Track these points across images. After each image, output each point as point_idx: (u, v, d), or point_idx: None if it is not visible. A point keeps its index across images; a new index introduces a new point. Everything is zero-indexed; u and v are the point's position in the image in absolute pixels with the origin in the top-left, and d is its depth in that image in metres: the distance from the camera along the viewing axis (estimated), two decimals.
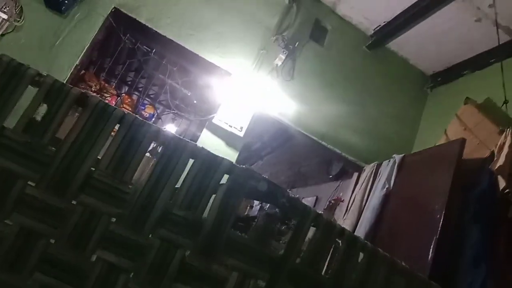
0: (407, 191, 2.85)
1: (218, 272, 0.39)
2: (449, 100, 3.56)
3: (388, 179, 3.03)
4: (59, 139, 0.44)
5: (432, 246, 2.26)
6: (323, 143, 3.53)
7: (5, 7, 2.66)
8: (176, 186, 0.45)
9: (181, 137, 0.45)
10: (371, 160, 3.45)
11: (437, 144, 3.09)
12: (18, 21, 2.71)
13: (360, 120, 3.68)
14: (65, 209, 0.42)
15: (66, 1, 2.81)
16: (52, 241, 0.42)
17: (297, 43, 3.55)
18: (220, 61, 3.30)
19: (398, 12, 3.53)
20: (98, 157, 0.44)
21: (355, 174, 3.59)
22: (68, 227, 0.41)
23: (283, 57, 3.43)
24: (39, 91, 0.46)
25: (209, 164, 0.45)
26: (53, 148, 0.45)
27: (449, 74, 3.77)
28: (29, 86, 0.47)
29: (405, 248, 2.52)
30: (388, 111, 3.79)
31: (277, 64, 3.45)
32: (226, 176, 0.45)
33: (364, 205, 3.12)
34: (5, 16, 2.65)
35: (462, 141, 2.55)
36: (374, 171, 3.28)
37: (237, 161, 3.25)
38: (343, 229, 0.48)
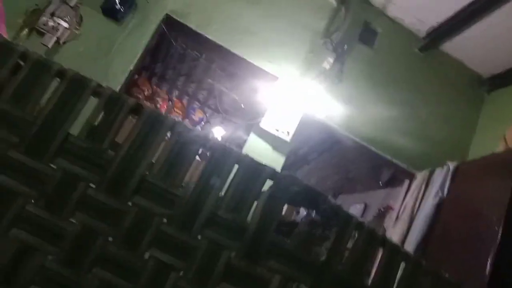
0: (462, 201, 2.72)
1: (262, 274, 0.41)
2: (509, 104, 3.37)
3: (442, 187, 2.91)
4: (117, 144, 0.47)
5: (490, 260, 2.14)
6: (372, 148, 3.45)
7: (66, 16, 2.83)
8: (221, 190, 0.47)
9: (227, 144, 0.48)
10: (423, 166, 3.32)
11: (495, 151, 2.94)
12: (78, 29, 2.88)
13: (411, 125, 3.56)
14: (121, 210, 0.45)
15: (122, 10, 2.95)
16: (110, 239, 0.45)
17: (345, 46, 3.51)
18: (267, 65, 3.33)
19: (453, 13, 3.38)
20: (152, 161, 0.47)
21: (406, 181, 3.47)
22: (123, 226, 0.44)
23: (332, 60, 3.40)
24: (100, 101, 0.50)
25: (253, 170, 0.46)
26: (111, 153, 0.48)
27: (509, 77, 3.56)
28: (91, 96, 0.51)
29: (459, 260, 2.41)
30: (442, 115, 3.65)
31: (325, 68, 3.42)
32: (269, 182, 0.46)
33: (415, 214, 3.01)
34: (66, 25, 2.82)
35: None
36: (426, 178, 3.15)
37: (283, 165, 3.26)
38: (385, 237, 0.47)
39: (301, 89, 3.30)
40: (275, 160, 3.21)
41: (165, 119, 0.49)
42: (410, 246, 2.80)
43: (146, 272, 0.42)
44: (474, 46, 3.60)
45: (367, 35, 3.70)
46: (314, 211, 0.46)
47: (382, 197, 4.09)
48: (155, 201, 0.45)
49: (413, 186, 3.23)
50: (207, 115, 4.38)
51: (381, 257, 0.47)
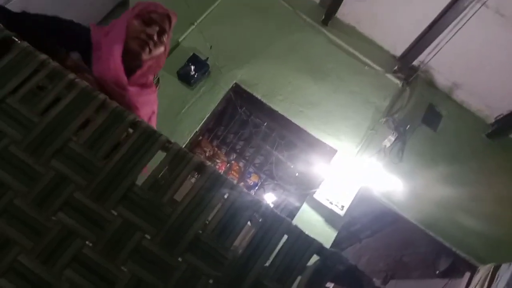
0: None
1: None
2: None
3: (509, 285, 2.64)
4: (176, 200, 0.51)
5: None
6: (431, 233, 3.25)
7: None
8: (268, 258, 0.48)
9: (279, 213, 0.49)
10: (488, 260, 3.06)
11: None
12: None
13: (475, 213, 3.34)
14: (172, 265, 0.48)
15: (195, 76, 3.19)
16: None
17: (408, 126, 3.48)
18: (327, 138, 3.36)
19: None
20: (206, 221, 0.50)
21: (467, 274, 3.20)
22: (172, 281, 0.46)
23: (393, 138, 3.37)
24: (167, 155, 0.54)
25: (301, 242, 0.47)
26: (170, 208, 0.51)
27: None
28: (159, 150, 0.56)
29: None
30: (510, 207, 3.39)
31: (385, 145, 3.39)
32: (315, 257, 0.47)
33: None
34: None
35: None
36: (490, 273, 2.89)
37: (334, 240, 3.16)
38: None
39: (359, 165, 3.28)
40: (326, 233, 3.12)
41: (225, 180, 0.52)
42: None
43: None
44: None
45: (431, 117, 3.66)
46: None
47: (439, 287, 3.76)
48: (204, 260, 0.47)
49: (475, 280, 2.97)
50: (262, 180, 4.43)
51: None
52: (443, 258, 3.96)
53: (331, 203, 3.13)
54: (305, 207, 3.22)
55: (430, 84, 3.73)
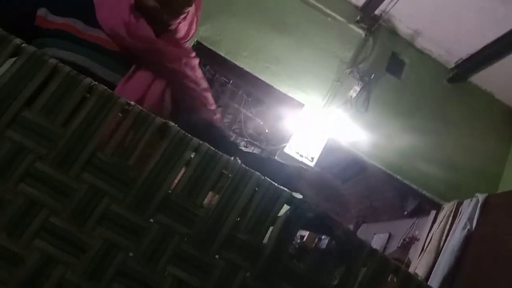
0: (492, 235, 2.63)
1: None
2: None
3: (470, 220, 2.82)
4: (142, 163, 0.50)
5: None
6: (398, 177, 3.39)
7: None
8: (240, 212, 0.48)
9: (247, 168, 0.49)
10: (451, 197, 3.24)
11: None
12: None
13: (439, 155, 3.49)
14: (143, 227, 0.47)
15: None
16: (130, 254, 0.47)
17: (372, 76, 3.52)
18: (294, 92, 3.36)
19: (483, 45, 3.36)
20: (174, 181, 0.49)
21: (433, 212, 3.39)
22: (145, 243, 0.46)
23: (358, 88, 3.41)
24: (128, 118, 0.53)
25: (271, 194, 0.48)
26: (136, 171, 0.51)
27: None
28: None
29: None
30: (471, 147, 3.56)
31: (351, 96, 3.43)
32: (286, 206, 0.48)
33: (442, 246, 2.92)
34: None
35: None
36: (454, 210, 3.07)
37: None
38: (399, 266, 0.48)
39: (327, 117, 3.32)
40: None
41: (191, 139, 0.51)
42: (436, 279, 2.70)
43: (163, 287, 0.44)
44: (504, 79, 3.54)
45: (394, 66, 3.71)
46: (328, 236, 0.47)
47: (407, 227, 3.98)
48: (176, 219, 0.47)
49: (440, 217, 3.15)
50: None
51: (394, 285, 0.47)
52: (410, 200, 4.17)
53: (301, 156, 3.19)
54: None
55: (392, 32, 3.75)
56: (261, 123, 3.86)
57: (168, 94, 0.97)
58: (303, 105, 3.36)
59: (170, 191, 0.47)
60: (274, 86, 3.34)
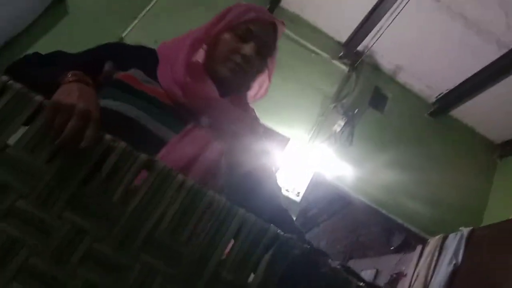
0: (478, 270, 2.62)
1: None
2: None
3: (456, 254, 2.82)
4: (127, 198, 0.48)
5: None
6: (383, 211, 3.39)
7: None
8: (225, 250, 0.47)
9: (232, 204, 0.49)
10: (436, 232, 3.24)
11: (510, 217, 2.87)
12: None
13: (423, 189, 3.52)
14: (126, 266, 0.46)
15: None
16: None
17: (356, 110, 3.58)
18: (279, 127, 3.39)
19: (462, 80, 3.48)
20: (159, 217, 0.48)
21: (419, 247, 3.37)
22: (128, 283, 0.45)
23: (342, 123, 3.46)
24: (112, 155, 0.52)
25: (257, 230, 0.47)
26: (120, 208, 0.49)
27: None
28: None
29: None
30: (454, 181, 3.61)
31: (335, 130, 3.48)
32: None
33: (429, 282, 2.89)
34: None
35: None
36: (439, 244, 3.06)
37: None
38: None
39: (312, 151, 3.34)
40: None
41: (176, 175, 0.50)
42: None
43: None
44: (484, 112, 3.64)
45: (377, 100, 3.79)
46: (315, 274, 0.46)
47: (394, 262, 3.95)
48: (159, 258, 0.45)
49: (426, 252, 3.14)
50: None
51: None
52: (396, 235, 4.15)
53: (287, 190, 3.18)
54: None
55: (375, 68, 3.85)
56: None
57: (226, 159, 0.89)
58: (289, 139, 3.38)
59: (154, 229, 0.46)
60: (260, 120, 3.36)
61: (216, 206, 0.48)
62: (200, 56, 0.97)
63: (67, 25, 3.12)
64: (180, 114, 0.87)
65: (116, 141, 0.51)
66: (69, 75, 0.67)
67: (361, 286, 0.46)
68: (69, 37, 3.08)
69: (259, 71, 1.02)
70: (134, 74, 0.89)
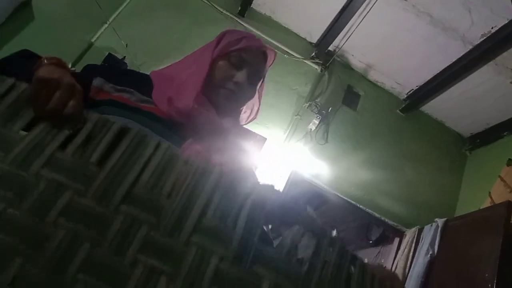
0: (453, 258, 2.69)
1: (250, 279, 0.42)
2: (490, 162, 3.45)
3: (432, 244, 2.89)
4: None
5: None
6: (361, 206, 3.45)
7: None
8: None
9: (208, 162, 0.50)
10: (412, 224, 3.32)
11: (481, 207, 2.96)
12: None
13: (397, 184, 3.60)
14: (109, 217, 0.45)
15: None
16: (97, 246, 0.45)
17: (330, 109, 3.64)
18: (256, 127, 3.40)
19: (430, 77, 3.59)
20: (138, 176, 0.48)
21: (396, 239, 3.44)
22: (111, 232, 0.44)
23: (317, 122, 3.51)
24: (87, 125, 0.52)
25: (236, 181, 0.49)
26: (97, 168, 0.49)
27: (488, 136, 3.69)
28: None
29: None
30: (426, 174, 3.70)
31: (311, 129, 3.52)
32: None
33: (408, 273, 2.95)
34: None
35: (509, 204, 2.43)
36: (416, 236, 3.14)
37: (272, 225, 3.21)
38: (355, 255, 0.50)
39: (289, 150, 3.37)
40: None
41: (149, 141, 0.51)
42: None
43: (134, 277, 0.41)
44: (453, 107, 3.76)
45: (350, 98, 3.87)
46: (293, 219, 0.47)
47: (373, 255, 4.01)
48: (141, 209, 0.46)
49: (403, 244, 3.20)
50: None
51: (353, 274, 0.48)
52: (373, 229, 4.22)
53: None
54: None
55: (347, 67, 3.93)
56: None
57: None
58: (265, 139, 3.40)
59: (133, 185, 0.46)
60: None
61: (192, 163, 0.49)
62: None
63: (33, 30, 3.05)
64: (177, 128, 0.91)
65: (91, 113, 0.52)
66: (45, 60, 0.68)
67: (335, 235, 0.48)
68: (35, 42, 3.02)
69: (250, 97, 1.08)
70: (129, 96, 0.92)
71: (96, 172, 0.47)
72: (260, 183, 0.48)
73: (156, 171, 0.47)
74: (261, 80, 1.10)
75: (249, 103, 1.11)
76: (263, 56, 1.08)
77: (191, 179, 0.46)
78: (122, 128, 0.50)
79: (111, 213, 0.44)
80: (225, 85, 1.00)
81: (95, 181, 0.47)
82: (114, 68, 1.03)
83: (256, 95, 1.12)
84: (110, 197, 0.45)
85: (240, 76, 1.00)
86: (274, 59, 1.13)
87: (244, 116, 1.13)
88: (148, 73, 1.08)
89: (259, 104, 1.16)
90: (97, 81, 0.94)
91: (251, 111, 1.14)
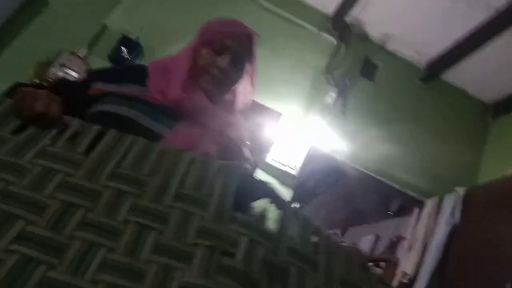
0: (475, 228, 2.67)
1: (230, 233, 0.48)
2: None
3: (452, 214, 2.86)
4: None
5: None
6: (380, 178, 3.44)
7: (76, 67, 2.96)
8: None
9: (185, 150, 0.55)
10: (432, 194, 3.28)
11: (506, 175, 2.91)
12: None
13: (418, 154, 3.56)
14: (98, 190, 0.52)
15: (129, 58, 3.09)
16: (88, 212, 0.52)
17: (347, 81, 3.59)
18: (271, 102, 3.40)
19: (451, 44, 3.47)
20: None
21: (416, 210, 3.42)
22: (101, 202, 0.50)
23: (334, 95, 3.48)
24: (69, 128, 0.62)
25: (207, 162, 0.55)
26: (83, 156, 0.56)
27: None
28: None
29: None
30: (448, 144, 3.64)
31: (328, 102, 3.49)
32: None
33: (428, 243, 2.95)
34: (75, 75, 2.95)
35: None
36: (436, 205, 3.11)
37: (291, 199, 3.26)
38: (318, 228, 0.55)
39: (306, 124, 3.36)
40: (282, 194, 3.21)
41: (126, 137, 0.60)
42: (424, 276, 2.73)
43: (125, 233, 0.47)
44: (475, 74, 3.65)
45: (368, 70, 3.79)
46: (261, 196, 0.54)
47: (393, 227, 4.01)
48: (128, 185, 0.51)
49: (424, 214, 3.19)
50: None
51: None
52: (393, 200, 4.21)
53: (283, 164, 3.22)
54: (259, 172, 3.27)
55: (364, 38, 3.84)
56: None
57: (215, 151, 0.98)
58: (281, 114, 3.40)
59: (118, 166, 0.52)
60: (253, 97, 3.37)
61: (166, 151, 0.54)
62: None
63: (48, 15, 3.10)
64: (172, 112, 0.98)
65: (72, 119, 0.60)
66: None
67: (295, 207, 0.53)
68: (50, 27, 3.07)
69: (237, 80, 1.14)
70: (126, 88, 1.01)
71: (83, 159, 0.53)
72: (232, 164, 0.55)
73: (135, 156, 0.53)
74: (250, 62, 1.17)
75: (242, 87, 1.17)
76: (248, 39, 1.14)
77: (168, 161, 0.52)
78: (101, 129, 0.58)
79: (100, 186, 0.50)
80: (209, 71, 1.06)
81: (82, 166, 0.52)
82: (113, 69, 1.21)
83: (249, 78, 1.19)
84: (98, 176, 0.51)
85: (222, 61, 1.06)
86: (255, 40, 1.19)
87: (237, 101, 1.18)
88: (158, 58, 1.16)
89: (253, 87, 1.24)
90: (97, 84, 1.03)
91: (244, 95, 1.20)
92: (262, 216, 0.49)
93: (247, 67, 1.16)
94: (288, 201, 0.75)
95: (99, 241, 0.45)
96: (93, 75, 1.11)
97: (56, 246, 0.43)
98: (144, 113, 0.94)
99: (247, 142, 1.15)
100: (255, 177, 0.52)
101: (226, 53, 1.07)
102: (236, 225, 0.47)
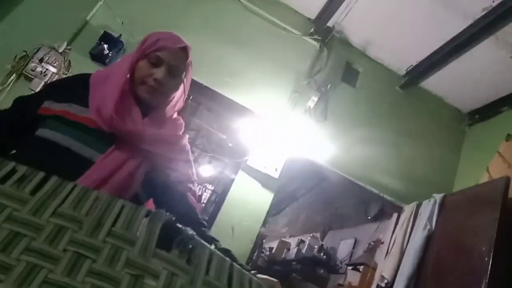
0: (450, 232, 2.74)
1: (154, 267, 0.57)
2: (489, 137, 3.47)
3: (430, 219, 2.93)
4: None
5: None
6: (360, 183, 3.48)
7: (55, 62, 2.89)
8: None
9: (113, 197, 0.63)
10: (410, 200, 3.36)
11: (479, 182, 2.99)
12: (66, 74, 2.92)
13: (396, 160, 3.63)
14: (40, 224, 0.58)
15: (109, 54, 3.02)
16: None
17: (329, 85, 3.62)
18: (254, 105, 3.40)
19: (430, 52, 3.55)
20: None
21: (395, 215, 3.49)
22: (46, 238, 0.56)
23: (316, 99, 3.49)
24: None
25: (134, 209, 0.62)
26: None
27: (487, 111, 3.70)
28: None
29: None
30: (425, 150, 3.73)
31: (309, 106, 3.51)
32: None
33: (406, 247, 3.01)
34: (54, 70, 2.87)
35: (507, 179, 2.45)
36: (414, 211, 3.18)
37: (272, 202, 3.26)
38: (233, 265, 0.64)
39: (288, 127, 3.37)
40: (264, 196, 3.21)
41: (67, 184, 0.63)
42: (402, 280, 2.78)
43: (63, 259, 0.54)
44: (452, 83, 3.75)
45: (349, 75, 3.84)
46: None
47: (371, 231, 4.09)
48: (67, 222, 0.58)
49: (402, 219, 3.25)
50: (195, 154, 4.40)
51: None
52: (372, 205, 4.28)
53: (265, 167, 3.21)
54: (240, 175, 3.26)
55: (346, 43, 3.89)
56: (224, 137, 3.86)
57: (141, 171, 1.12)
58: (264, 117, 3.40)
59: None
60: (235, 99, 3.36)
61: (101, 196, 0.63)
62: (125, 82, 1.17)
63: (27, 8, 3.00)
64: (106, 136, 1.07)
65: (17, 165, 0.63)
66: None
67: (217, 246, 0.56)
68: (29, 21, 2.97)
69: (174, 89, 1.23)
70: (69, 108, 1.09)
71: (29, 198, 0.59)
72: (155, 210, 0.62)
73: (74, 200, 0.61)
74: (184, 72, 1.25)
75: (177, 93, 1.26)
76: (182, 51, 1.22)
77: (101, 205, 0.61)
78: (45, 176, 0.62)
79: (43, 221, 0.57)
80: (146, 82, 1.15)
81: (28, 203, 0.59)
82: (63, 87, 1.21)
83: (182, 86, 1.27)
84: (41, 214, 0.58)
85: (158, 73, 1.15)
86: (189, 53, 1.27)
87: (171, 105, 1.26)
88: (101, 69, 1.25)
89: (185, 94, 1.32)
90: (47, 102, 1.12)
91: (178, 100, 1.29)
92: (181, 254, 0.59)
93: (182, 76, 1.25)
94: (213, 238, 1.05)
95: (41, 264, 0.53)
96: (46, 92, 1.19)
97: (4, 265, 0.51)
98: (78, 139, 1.04)
99: (184, 150, 1.28)
100: (177, 225, 0.61)
101: (162, 66, 1.16)
102: (158, 259, 0.57)
